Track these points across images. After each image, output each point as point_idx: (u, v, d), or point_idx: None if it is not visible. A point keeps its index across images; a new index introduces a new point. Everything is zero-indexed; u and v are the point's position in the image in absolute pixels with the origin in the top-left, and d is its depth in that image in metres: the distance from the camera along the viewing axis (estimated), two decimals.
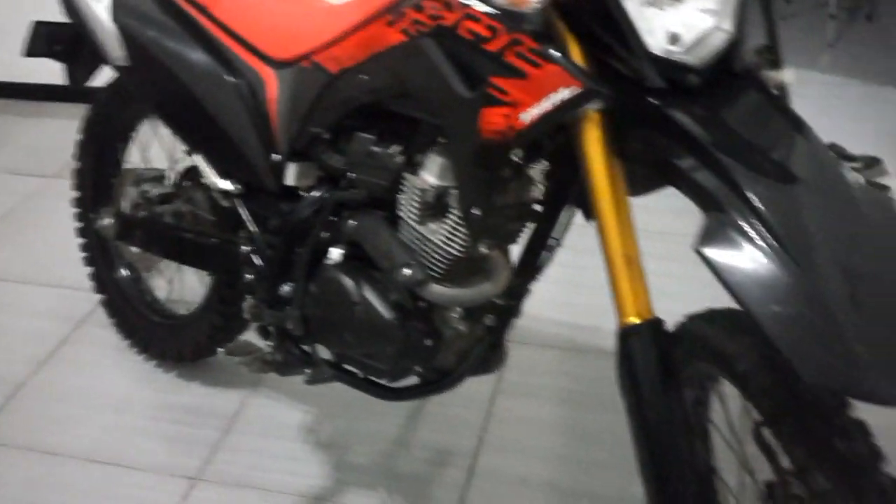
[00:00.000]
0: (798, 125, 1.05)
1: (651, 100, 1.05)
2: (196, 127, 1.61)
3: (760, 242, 0.89)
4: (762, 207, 0.90)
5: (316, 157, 1.49)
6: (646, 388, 1.06)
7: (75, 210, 2.12)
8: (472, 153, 1.19)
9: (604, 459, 1.76)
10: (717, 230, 0.92)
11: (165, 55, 1.59)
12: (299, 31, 1.50)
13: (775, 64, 1.12)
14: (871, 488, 0.82)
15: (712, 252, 0.90)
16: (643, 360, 1.06)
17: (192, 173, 1.81)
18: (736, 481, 1.19)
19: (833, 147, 3.00)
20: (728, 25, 1.04)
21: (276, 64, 1.52)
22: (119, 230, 1.85)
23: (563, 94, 1.06)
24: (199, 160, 1.64)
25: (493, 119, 1.13)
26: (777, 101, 1.08)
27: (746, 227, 0.90)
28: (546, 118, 1.09)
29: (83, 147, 2.05)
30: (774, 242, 0.88)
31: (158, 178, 1.90)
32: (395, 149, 1.37)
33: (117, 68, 1.69)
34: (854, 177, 2.77)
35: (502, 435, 1.88)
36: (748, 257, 0.88)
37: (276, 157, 1.52)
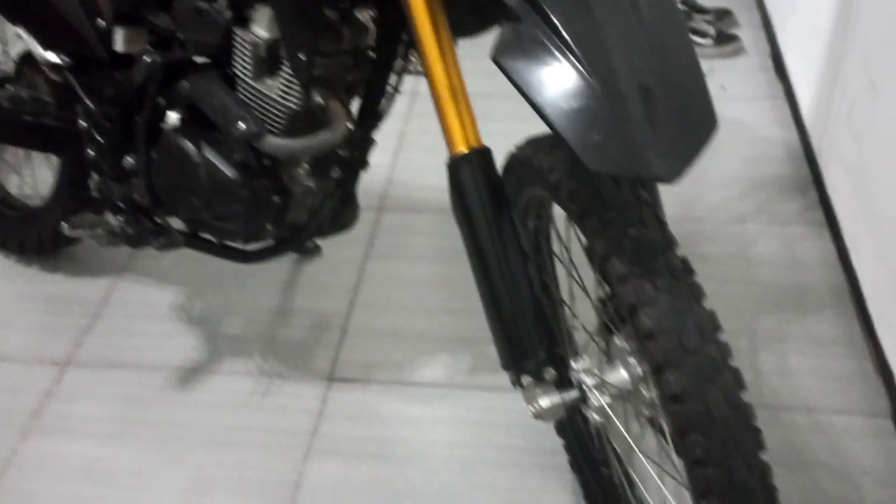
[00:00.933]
0: None
1: None
2: (24, 5, 1.52)
3: (553, 50, 0.90)
4: (555, 18, 0.91)
5: (143, 20, 1.43)
6: (477, 214, 1.09)
7: None
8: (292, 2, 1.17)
9: (473, 307, 1.81)
10: (512, 39, 0.93)
11: None
12: None
13: None
14: (662, 269, 0.87)
15: (508, 60, 0.91)
16: (474, 187, 1.08)
17: (28, 60, 1.72)
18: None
19: (686, 1, 3.05)
20: None
21: None
22: None
23: None
24: (23, 34, 1.55)
25: None
26: None
27: (541, 37, 0.91)
28: None
29: None
30: (566, 50, 0.89)
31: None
32: (221, 3, 1.33)
33: None
34: (703, 28, 2.80)
35: (374, 294, 1.91)
36: (541, 65, 0.90)
37: (101, 22, 1.45)
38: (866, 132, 1.81)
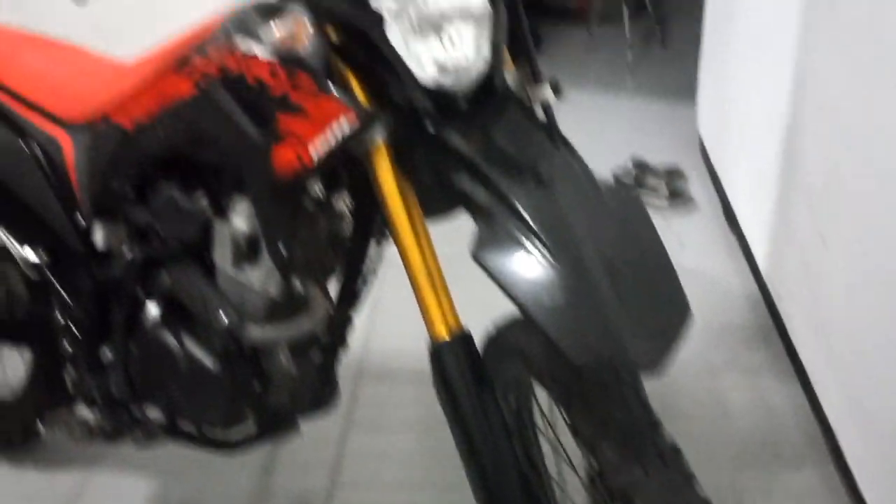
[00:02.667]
0: (553, 137, 1.13)
1: (427, 125, 1.11)
2: None
3: (527, 243, 0.95)
4: (525, 213, 0.96)
5: (122, 215, 1.47)
6: (462, 399, 1.11)
7: None
8: (269, 192, 1.22)
9: (460, 480, 1.79)
10: (488, 236, 0.98)
11: None
12: (90, 91, 1.48)
13: (535, 79, 1.20)
14: (651, 453, 0.89)
15: (486, 257, 0.96)
16: (457, 373, 1.11)
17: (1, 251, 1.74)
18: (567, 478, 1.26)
19: (635, 161, 3.22)
20: (486, 53, 1.11)
21: (71, 127, 1.49)
22: None
23: (343, 124, 1.11)
24: (1, 234, 1.58)
25: (285, 156, 1.16)
26: (534, 117, 1.17)
27: (514, 231, 0.96)
28: (333, 150, 1.13)
29: None
30: (538, 242, 0.95)
31: None
32: (199, 196, 1.38)
33: None
34: (655, 186, 2.96)
35: (357, 470, 1.89)
36: (517, 259, 0.95)
37: (79, 218, 1.49)
38: (821, 281, 1.89)
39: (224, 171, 1.35)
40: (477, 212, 1.04)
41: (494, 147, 1.08)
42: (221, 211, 1.36)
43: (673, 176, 2.97)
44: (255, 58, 1.18)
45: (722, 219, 2.81)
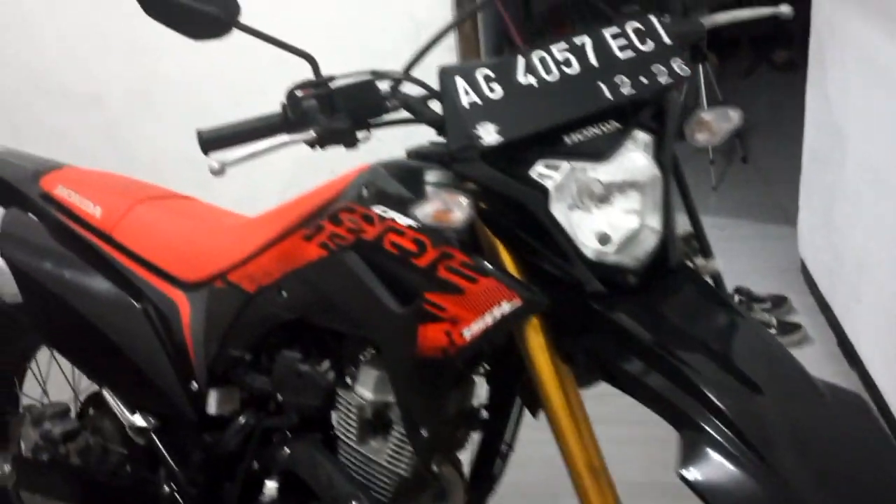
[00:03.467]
0: (738, 314, 1.01)
1: (591, 304, 1.00)
2: (102, 361, 1.49)
3: (740, 459, 0.83)
4: (736, 421, 0.84)
5: (238, 381, 1.39)
6: None
7: None
8: (413, 372, 1.12)
9: None
10: (696, 451, 0.85)
11: (63, 288, 1.48)
12: (209, 251, 1.42)
13: (704, 252, 1.10)
14: None
15: (695, 475, 0.84)
16: None
17: (98, 400, 1.67)
18: None
19: (740, 290, 3.04)
20: (656, 224, 1.01)
21: (188, 286, 1.43)
22: (19, 478, 1.66)
23: (504, 308, 1.01)
24: (107, 395, 1.50)
25: (434, 336, 1.06)
26: (714, 292, 1.05)
27: (725, 444, 0.84)
28: (489, 332, 1.03)
29: None
30: (753, 457, 0.82)
31: (61, 413, 1.74)
32: (324, 365, 1.29)
33: (10, 307, 1.56)
34: (765, 319, 2.75)
35: None
36: (730, 477, 0.82)
37: (194, 385, 1.41)
38: None
39: (350, 340, 1.27)
40: (667, 412, 0.91)
41: (673, 327, 0.97)
42: (346, 380, 1.27)
43: (780, 305, 2.82)
44: (395, 225, 1.10)
45: (838, 354, 2.63)
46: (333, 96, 1.08)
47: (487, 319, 1.02)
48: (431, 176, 1.12)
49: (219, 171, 1.06)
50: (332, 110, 1.08)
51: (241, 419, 1.39)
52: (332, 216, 1.19)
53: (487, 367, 1.25)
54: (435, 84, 1.04)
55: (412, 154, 1.18)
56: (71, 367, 1.72)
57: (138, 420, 1.46)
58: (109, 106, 3.05)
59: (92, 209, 1.54)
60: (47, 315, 1.51)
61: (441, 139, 1.09)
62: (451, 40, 2.72)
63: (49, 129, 3.08)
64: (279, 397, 1.33)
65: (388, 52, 2.68)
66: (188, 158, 3.06)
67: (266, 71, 2.92)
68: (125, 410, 1.47)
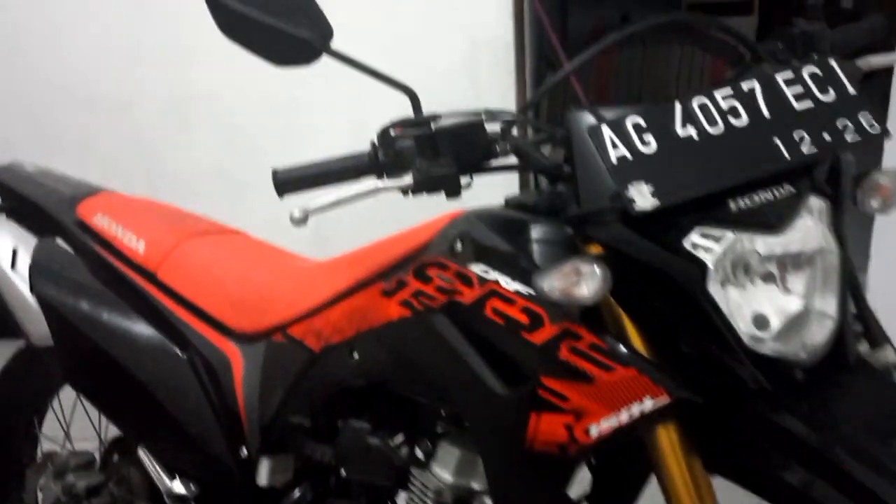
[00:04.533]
0: None
1: (750, 402, 0.83)
2: (140, 416, 1.32)
3: None
4: None
5: (295, 449, 1.22)
6: None
7: None
8: (516, 465, 0.95)
9: None
10: None
11: (100, 332, 1.31)
12: (267, 299, 1.26)
13: (873, 339, 0.92)
14: None
15: None
16: None
17: (123, 446, 1.50)
18: None
19: None
20: (831, 309, 0.84)
21: (241, 338, 1.26)
22: None
23: (646, 404, 0.84)
24: (144, 456, 1.33)
25: (550, 428, 0.89)
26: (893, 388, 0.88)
27: None
28: (622, 431, 0.86)
29: None
30: None
31: (86, 464, 1.56)
32: (398, 439, 1.12)
33: (39, 350, 1.39)
34: None
35: None
36: None
37: (244, 451, 1.24)
38: None
39: (425, 410, 1.10)
40: None
41: (855, 440, 0.80)
42: (417, 455, 1.11)
43: None
44: (499, 290, 0.93)
45: None
46: (436, 137, 0.92)
47: (623, 417, 0.85)
48: (537, 232, 0.95)
49: (301, 221, 0.90)
50: (435, 153, 0.92)
51: (297, 493, 1.22)
52: (418, 271, 1.03)
53: (594, 460, 1.08)
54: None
55: (512, 203, 1.01)
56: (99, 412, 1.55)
57: (178, 486, 1.28)
58: (139, 115, 2.89)
59: (135, 244, 1.37)
60: (80, 360, 1.34)
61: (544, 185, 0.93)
62: (510, 61, 2.56)
63: (75, 138, 2.92)
64: (342, 472, 1.17)
65: (446, 71, 2.52)
66: (221, 172, 2.93)
67: (309, 82, 2.78)
68: (163, 474, 1.30)
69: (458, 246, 1.00)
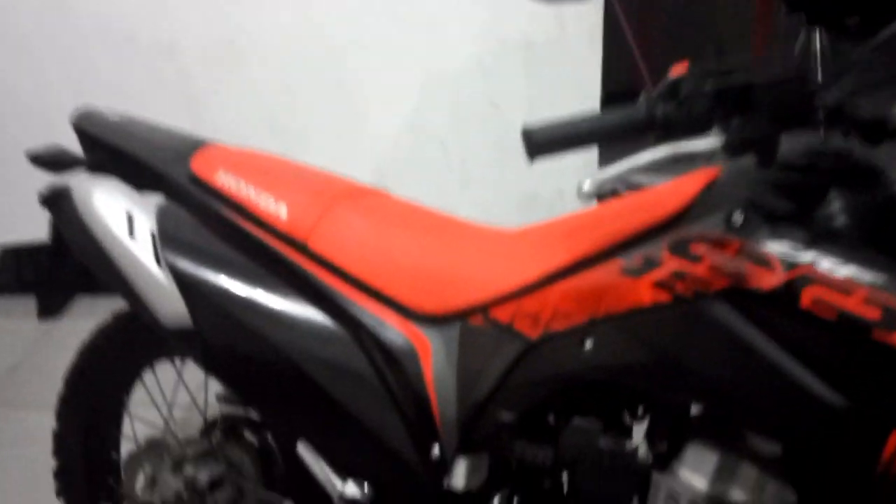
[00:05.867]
0: None
1: None
2: (303, 409, 1.14)
3: None
4: None
5: (497, 449, 1.05)
6: None
7: None
8: (862, 497, 0.79)
9: None
10: None
11: (250, 312, 1.12)
12: (456, 274, 1.07)
13: None
14: None
15: None
16: None
17: (227, 421, 1.32)
18: None
19: None
20: None
21: (426, 320, 1.08)
22: None
23: None
24: (305, 453, 1.15)
25: None
26: None
27: None
28: None
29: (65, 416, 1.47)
30: None
31: (204, 453, 1.37)
32: (637, 439, 0.97)
33: (173, 335, 1.18)
34: None
35: None
36: None
37: (436, 451, 1.07)
38: None
39: (663, 405, 0.95)
40: None
41: None
42: (660, 459, 0.95)
43: None
44: (821, 277, 0.77)
45: None
46: (753, 91, 0.76)
47: None
48: (841, 201, 0.80)
49: (591, 195, 0.75)
50: (747, 111, 0.76)
51: (497, 499, 1.06)
52: (677, 247, 0.86)
53: None
54: None
55: (779, 163, 0.84)
56: (203, 382, 1.36)
57: (351, 489, 1.11)
58: (183, 58, 2.65)
59: (274, 208, 1.17)
60: (227, 345, 1.15)
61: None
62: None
63: (110, 82, 2.68)
64: (563, 476, 1.01)
65: (500, 73, 2.34)
66: (270, 122, 2.70)
67: (367, 24, 2.55)
68: (331, 475, 1.13)
69: (738, 217, 0.83)
